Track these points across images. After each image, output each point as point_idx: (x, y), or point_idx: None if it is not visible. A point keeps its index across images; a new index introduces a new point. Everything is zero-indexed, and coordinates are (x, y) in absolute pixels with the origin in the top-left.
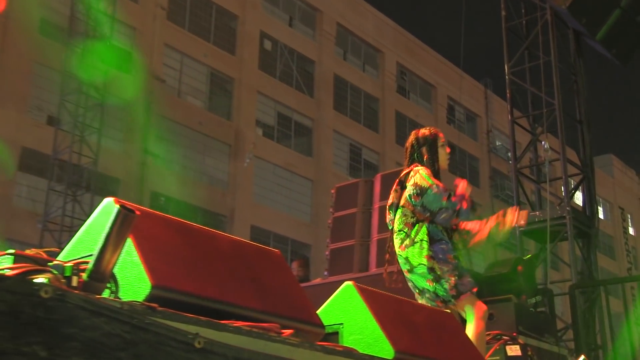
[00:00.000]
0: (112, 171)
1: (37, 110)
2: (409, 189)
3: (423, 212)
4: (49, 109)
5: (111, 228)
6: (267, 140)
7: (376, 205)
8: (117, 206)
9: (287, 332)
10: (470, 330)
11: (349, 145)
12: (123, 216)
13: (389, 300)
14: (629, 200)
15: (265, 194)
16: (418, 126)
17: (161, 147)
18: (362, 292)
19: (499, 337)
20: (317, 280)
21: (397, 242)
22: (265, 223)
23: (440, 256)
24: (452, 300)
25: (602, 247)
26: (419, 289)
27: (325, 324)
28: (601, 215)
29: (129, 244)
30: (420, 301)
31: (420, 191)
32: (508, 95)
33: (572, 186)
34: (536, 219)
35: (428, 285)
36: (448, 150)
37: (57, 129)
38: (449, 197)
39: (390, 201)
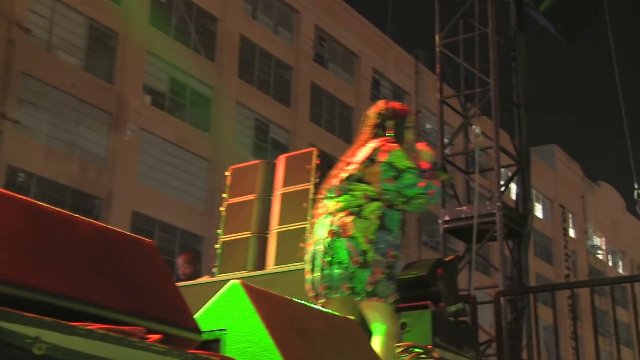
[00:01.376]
0: None
1: None
2: (382, 170)
3: (395, 198)
4: None
5: None
6: (156, 110)
7: (277, 191)
8: None
9: (154, 337)
10: (378, 342)
11: (255, 120)
12: None
13: (282, 304)
14: (572, 197)
15: (151, 174)
16: (337, 102)
17: (23, 111)
18: (251, 292)
19: (411, 349)
20: (204, 278)
21: (325, 223)
22: (150, 209)
23: (381, 246)
24: (363, 295)
25: (538, 249)
26: (327, 283)
27: (204, 330)
28: (539, 214)
29: None
30: (320, 304)
31: (397, 174)
32: (438, 70)
33: (506, 179)
34: (462, 215)
35: (351, 264)
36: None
37: None
38: (429, 181)
39: (333, 184)
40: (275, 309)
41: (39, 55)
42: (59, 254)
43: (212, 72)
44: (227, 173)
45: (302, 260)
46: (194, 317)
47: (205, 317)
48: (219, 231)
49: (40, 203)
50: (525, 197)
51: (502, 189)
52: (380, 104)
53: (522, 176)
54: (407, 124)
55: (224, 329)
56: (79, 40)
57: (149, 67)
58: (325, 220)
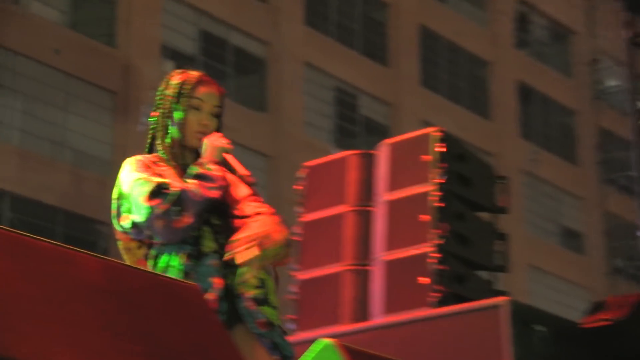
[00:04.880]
0: None
1: None
2: (112, 209)
3: (138, 235)
4: None
5: None
6: None
7: (381, 198)
8: None
9: None
10: None
11: (335, 90)
12: None
13: None
14: None
15: None
16: (462, 54)
17: None
18: (351, 356)
19: None
20: None
21: None
22: None
23: None
24: None
25: None
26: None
27: None
28: None
29: None
30: None
31: (130, 206)
32: None
33: None
34: None
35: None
36: (207, 119)
37: None
38: (158, 189)
39: None
40: None
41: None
42: (56, 310)
43: (265, 19)
44: (299, 174)
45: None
46: None
47: None
48: (293, 265)
49: (22, 234)
50: None
51: None
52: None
53: None
54: (187, 95)
55: None
56: None
57: (166, 16)
58: None
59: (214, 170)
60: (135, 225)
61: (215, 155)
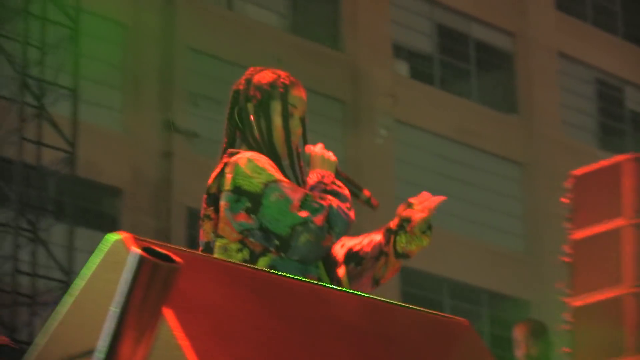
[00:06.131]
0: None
1: None
2: (226, 201)
3: (265, 241)
4: None
5: (129, 296)
6: (420, 86)
7: None
8: (136, 250)
9: None
10: None
11: (596, 81)
12: (152, 270)
13: None
14: None
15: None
16: None
17: (199, 116)
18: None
19: None
20: None
21: None
22: (427, 258)
23: None
24: None
25: None
26: None
27: None
28: None
29: (165, 327)
30: None
31: (251, 202)
32: None
33: None
34: None
35: None
36: (300, 113)
37: None
38: (306, 199)
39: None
40: None
41: (209, 16)
42: (317, 355)
43: (510, 7)
44: (565, 185)
45: None
46: None
47: None
48: (564, 290)
49: (272, 272)
50: None
51: None
52: (248, 71)
53: None
54: (280, 98)
55: None
56: None
57: (396, 11)
58: None
59: (343, 187)
60: (264, 229)
61: (330, 168)
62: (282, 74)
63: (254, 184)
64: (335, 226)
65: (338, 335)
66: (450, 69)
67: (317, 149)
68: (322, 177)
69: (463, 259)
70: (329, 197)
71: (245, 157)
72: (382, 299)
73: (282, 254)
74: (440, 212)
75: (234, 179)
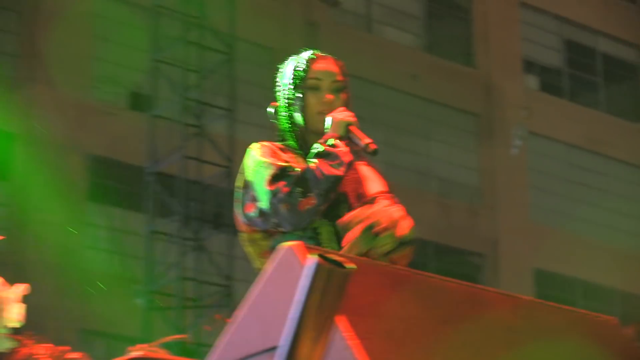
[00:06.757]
0: None
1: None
2: (235, 198)
3: (265, 224)
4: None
5: (307, 300)
6: (550, 98)
7: None
8: (315, 258)
9: None
10: None
11: None
12: (327, 275)
13: None
14: None
15: (555, 206)
16: None
17: None
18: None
19: None
20: None
21: None
22: (560, 262)
23: None
24: None
25: None
26: None
27: None
28: None
29: (337, 332)
30: None
31: (254, 193)
32: None
33: None
34: None
35: None
36: (329, 97)
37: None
38: (277, 172)
39: None
40: None
41: (350, 38)
42: (481, 358)
43: (636, 21)
44: None
45: None
46: None
47: None
48: None
49: (429, 276)
50: None
51: None
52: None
53: None
54: (292, 83)
55: None
56: (412, 5)
57: (526, 28)
58: None
59: (337, 145)
60: (262, 213)
61: (338, 130)
62: (301, 56)
63: (249, 173)
64: (314, 187)
65: (500, 338)
66: (578, 81)
67: (332, 114)
68: (323, 141)
69: (594, 261)
70: (313, 161)
71: (248, 150)
72: (535, 299)
73: (280, 230)
74: (573, 218)
75: (240, 173)
